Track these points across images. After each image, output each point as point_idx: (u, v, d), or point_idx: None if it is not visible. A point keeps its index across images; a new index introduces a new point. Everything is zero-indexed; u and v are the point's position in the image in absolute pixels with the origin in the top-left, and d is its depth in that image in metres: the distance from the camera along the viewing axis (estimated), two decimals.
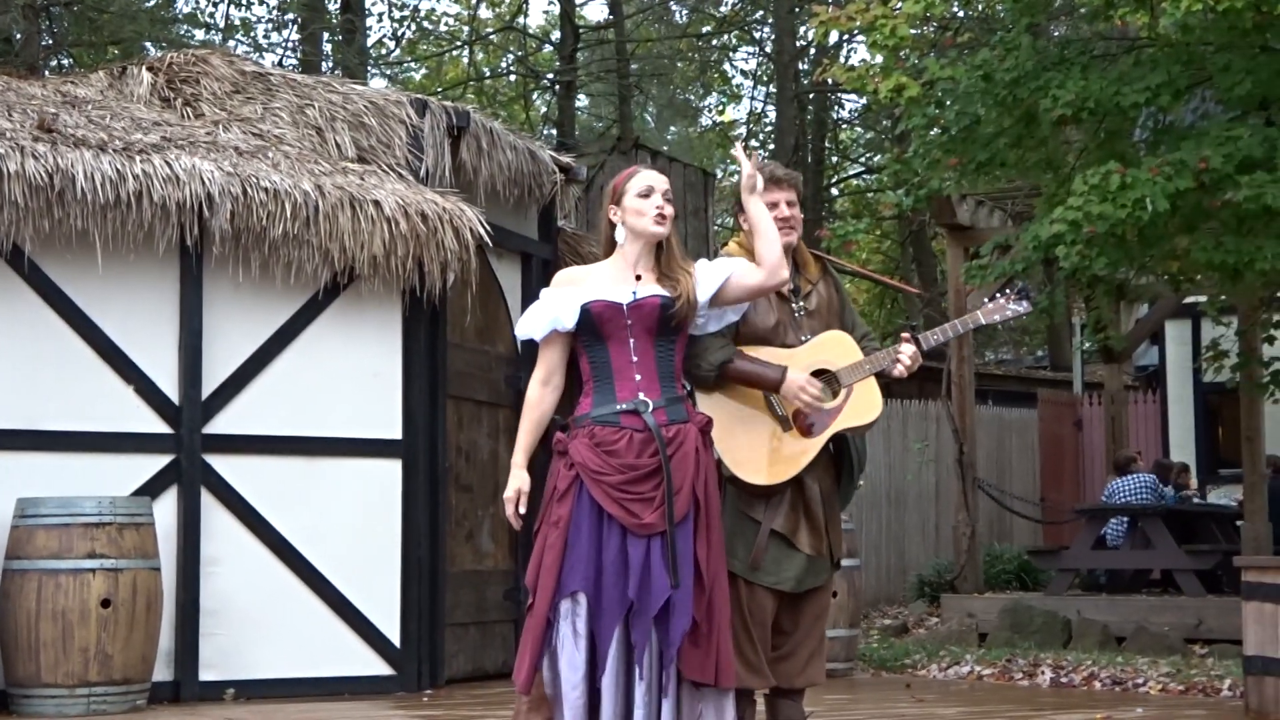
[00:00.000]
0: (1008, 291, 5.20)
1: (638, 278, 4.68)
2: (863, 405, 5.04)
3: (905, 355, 5.03)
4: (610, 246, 4.77)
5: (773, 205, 4.97)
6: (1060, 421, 16.95)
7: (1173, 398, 16.86)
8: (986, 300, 5.26)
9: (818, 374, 5.01)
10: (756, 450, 4.98)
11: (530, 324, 4.74)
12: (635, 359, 4.63)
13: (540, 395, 4.72)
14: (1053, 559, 13.12)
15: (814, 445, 5.01)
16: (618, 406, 4.60)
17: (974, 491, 13.06)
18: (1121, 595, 12.49)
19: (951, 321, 5.41)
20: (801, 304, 5.13)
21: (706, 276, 4.75)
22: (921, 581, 14.28)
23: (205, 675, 7.89)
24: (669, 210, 4.68)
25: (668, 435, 4.57)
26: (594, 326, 4.63)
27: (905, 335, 5.10)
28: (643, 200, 4.69)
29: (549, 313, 4.68)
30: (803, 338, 5.09)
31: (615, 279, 4.69)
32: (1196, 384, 16.41)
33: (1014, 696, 8.61)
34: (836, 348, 5.08)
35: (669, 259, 4.73)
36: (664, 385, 4.64)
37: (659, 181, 4.71)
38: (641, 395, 4.60)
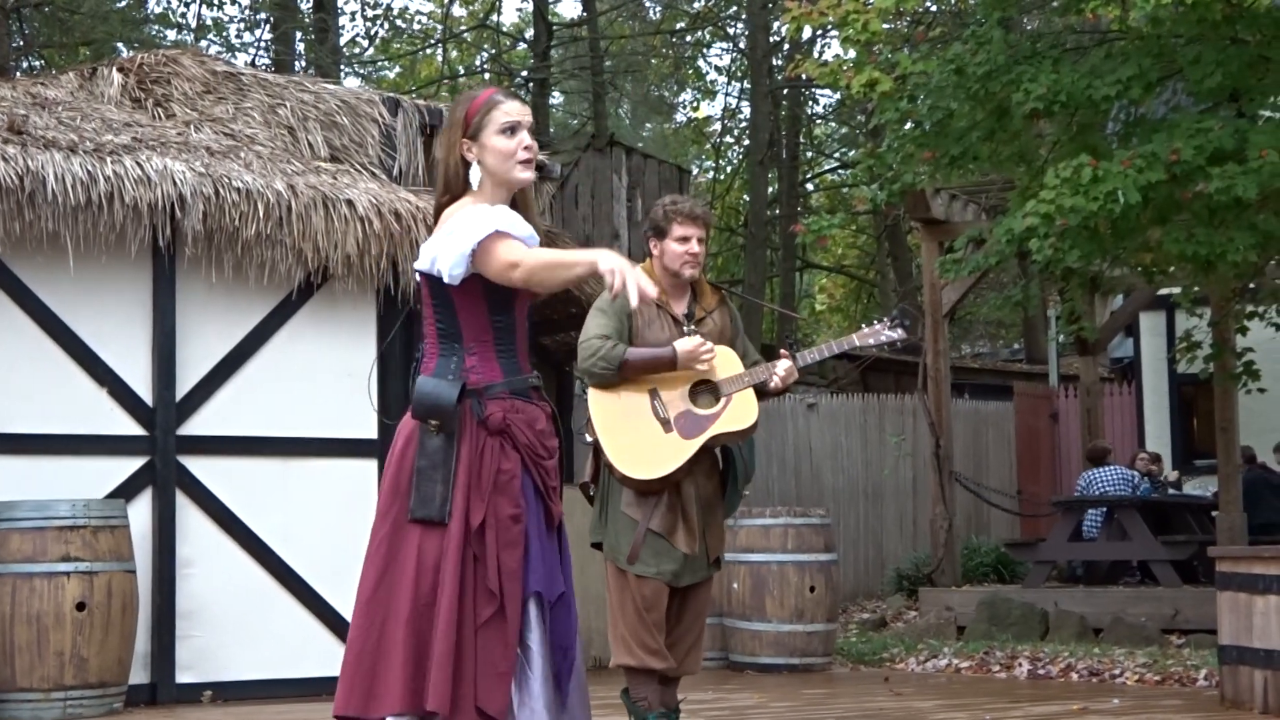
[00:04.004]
0: (885, 319, 5.68)
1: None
2: (740, 413, 5.39)
3: (780, 370, 5.46)
4: (459, 187, 3.82)
5: (685, 239, 5.43)
6: (1036, 414, 16.98)
7: (1148, 389, 16.91)
8: (864, 325, 5.75)
9: (700, 384, 5.39)
10: (638, 447, 5.30)
11: (509, 230, 3.67)
12: (522, 325, 3.87)
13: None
14: (1030, 551, 13.16)
15: (691, 446, 5.33)
16: (529, 379, 3.82)
17: (951, 485, 13.08)
18: (1098, 587, 12.54)
19: (829, 342, 5.89)
20: (693, 327, 5.49)
21: None
22: (899, 575, 14.31)
23: (182, 677, 7.88)
24: (535, 150, 3.84)
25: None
26: None
27: (783, 352, 5.55)
28: (506, 139, 3.79)
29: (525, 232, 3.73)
30: None
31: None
32: (1171, 375, 16.44)
33: (992, 689, 8.63)
34: (720, 361, 5.44)
35: (527, 211, 3.86)
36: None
37: (525, 115, 3.82)
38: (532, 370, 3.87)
